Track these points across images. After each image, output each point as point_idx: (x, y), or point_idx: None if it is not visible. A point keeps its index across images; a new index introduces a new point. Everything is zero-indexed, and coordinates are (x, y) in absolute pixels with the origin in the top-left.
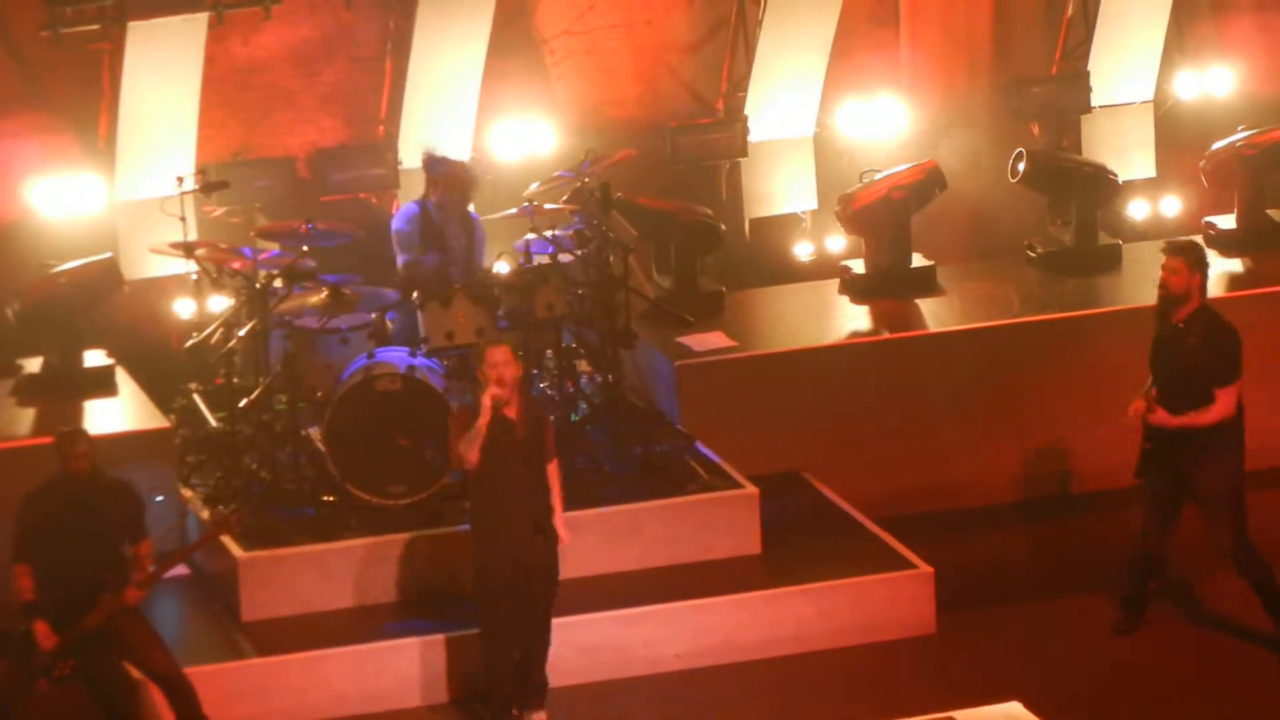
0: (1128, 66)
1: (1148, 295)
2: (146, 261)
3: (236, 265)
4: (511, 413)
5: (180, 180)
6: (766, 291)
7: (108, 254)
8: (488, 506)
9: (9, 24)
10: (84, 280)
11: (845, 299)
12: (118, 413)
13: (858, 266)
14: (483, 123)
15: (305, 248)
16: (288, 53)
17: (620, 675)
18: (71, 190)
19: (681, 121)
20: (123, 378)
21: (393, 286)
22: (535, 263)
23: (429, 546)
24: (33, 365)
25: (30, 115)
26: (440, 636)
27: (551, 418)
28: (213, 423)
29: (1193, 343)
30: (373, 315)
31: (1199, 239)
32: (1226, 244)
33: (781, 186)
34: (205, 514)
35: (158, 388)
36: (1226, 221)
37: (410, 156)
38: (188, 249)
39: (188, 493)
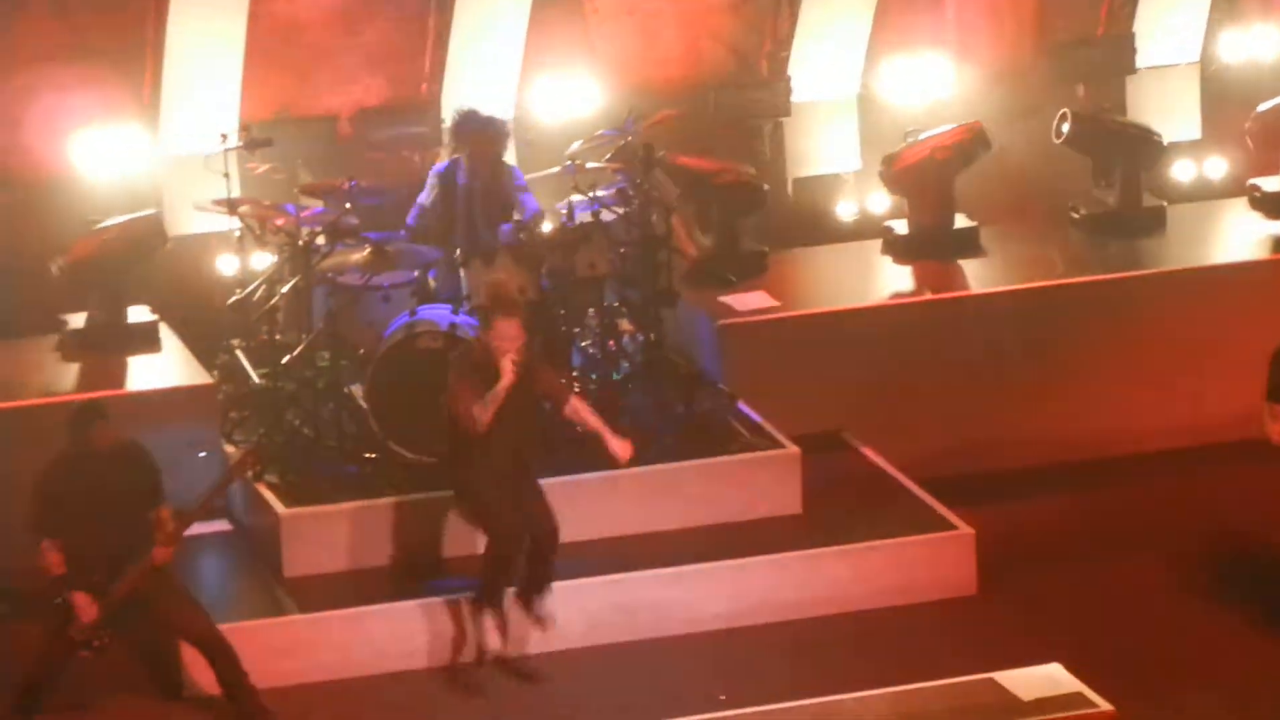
0: (1173, 28)
1: (1191, 257)
2: (190, 218)
3: (280, 222)
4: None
5: (224, 137)
6: (809, 251)
7: (152, 210)
8: (479, 462)
9: None
10: (128, 237)
11: (888, 259)
12: (161, 369)
13: (901, 227)
14: (525, 81)
15: (348, 205)
16: (331, 11)
17: (659, 634)
18: (116, 146)
19: (724, 81)
20: (166, 334)
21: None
22: (578, 222)
23: None
24: (77, 321)
25: (77, 68)
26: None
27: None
28: (255, 379)
29: None
30: (415, 273)
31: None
32: (1271, 206)
33: (825, 146)
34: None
35: (201, 344)
36: (1271, 184)
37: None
38: (231, 206)
39: (230, 449)
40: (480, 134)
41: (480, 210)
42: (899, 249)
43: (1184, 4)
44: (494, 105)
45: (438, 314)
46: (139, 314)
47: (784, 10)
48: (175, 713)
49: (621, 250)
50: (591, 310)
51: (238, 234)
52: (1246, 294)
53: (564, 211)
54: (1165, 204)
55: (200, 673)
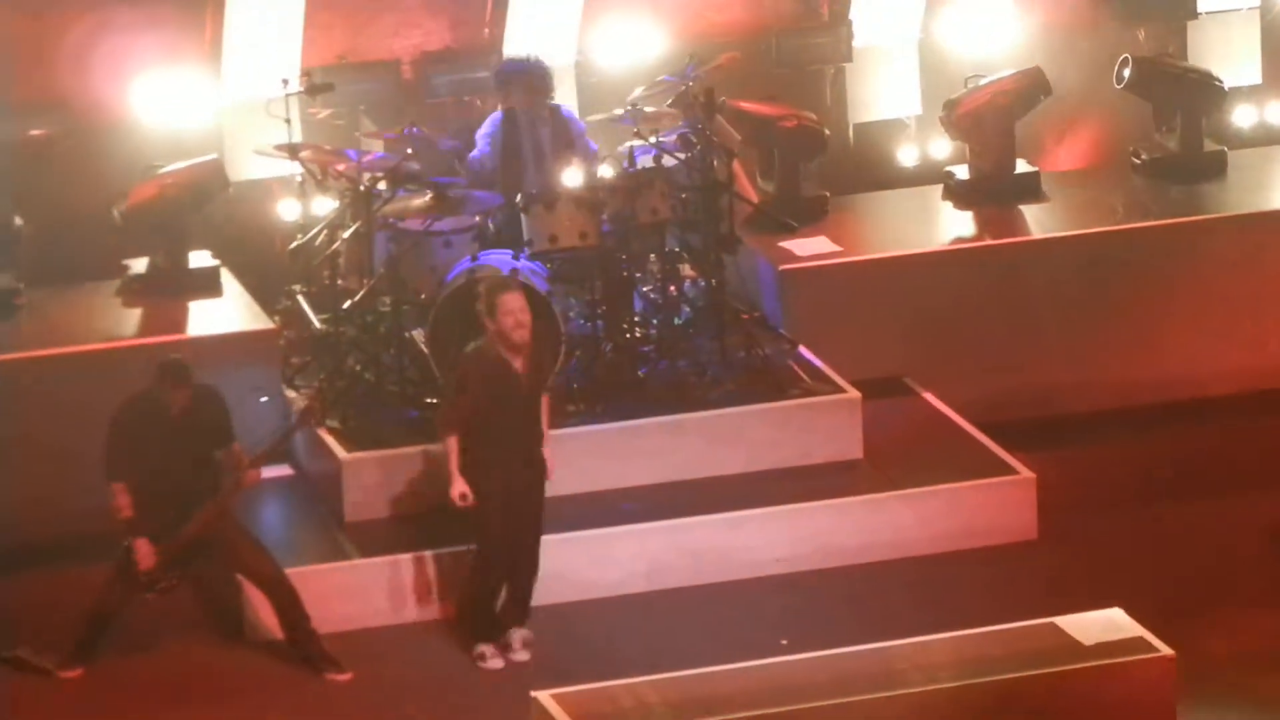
0: None
1: (1252, 202)
2: (251, 163)
3: (341, 167)
4: (520, 366)
5: (285, 82)
6: (870, 197)
7: (213, 155)
8: (484, 445)
9: None
10: (190, 182)
11: (949, 204)
12: (222, 314)
13: (961, 172)
14: (587, 27)
15: (410, 150)
16: None
17: (721, 579)
18: (178, 91)
19: (786, 26)
20: (228, 279)
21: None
22: (639, 167)
23: None
24: (139, 266)
25: (139, 13)
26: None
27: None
28: (317, 325)
29: None
30: (476, 218)
31: None
32: None
33: (886, 92)
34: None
35: (262, 289)
36: None
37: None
38: (292, 151)
39: (292, 394)
40: (524, 79)
41: (540, 155)
42: (959, 194)
43: None
44: (551, 51)
45: (499, 259)
46: (200, 259)
47: None
48: (237, 655)
49: (683, 196)
50: (653, 256)
51: (299, 179)
52: None
53: (625, 157)
54: (1225, 149)
55: (262, 616)
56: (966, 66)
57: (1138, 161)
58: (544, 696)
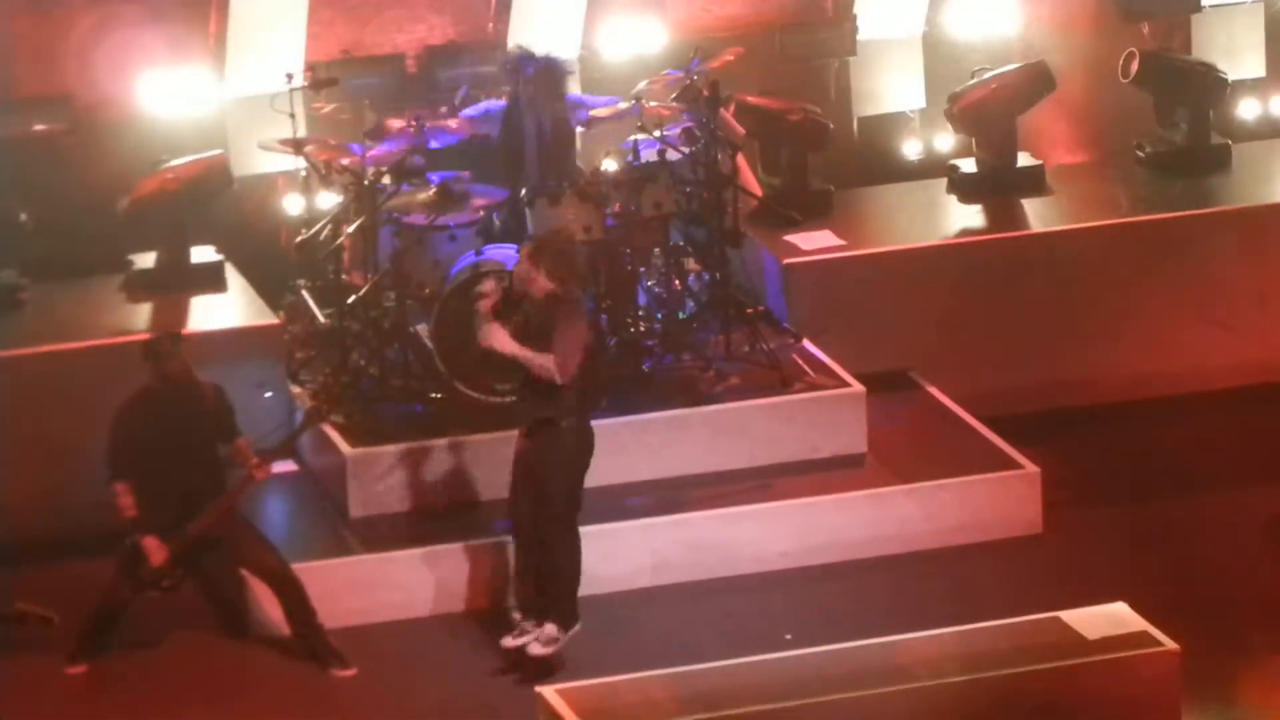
0: None
1: (1257, 195)
2: (255, 158)
3: (345, 162)
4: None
5: (289, 77)
6: (874, 190)
7: (218, 150)
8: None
9: None
10: (195, 176)
11: (953, 198)
12: (227, 309)
13: (966, 165)
14: (591, 20)
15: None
16: None
17: (726, 573)
18: (182, 86)
19: (790, 20)
20: (232, 274)
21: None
22: (643, 161)
23: None
24: (143, 261)
25: (144, 7)
26: None
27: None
28: (321, 319)
29: None
30: (481, 213)
31: None
32: None
33: (890, 85)
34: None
35: (266, 284)
36: None
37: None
38: (297, 145)
39: (296, 389)
40: (537, 74)
41: (545, 149)
42: (964, 187)
43: None
44: (555, 44)
45: (503, 253)
46: (204, 254)
47: None
48: (243, 651)
49: (687, 189)
50: (657, 249)
51: (303, 174)
52: None
53: (630, 151)
54: (1230, 142)
55: (268, 611)
56: (971, 60)
57: (1142, 155)
58: (549, 691)
